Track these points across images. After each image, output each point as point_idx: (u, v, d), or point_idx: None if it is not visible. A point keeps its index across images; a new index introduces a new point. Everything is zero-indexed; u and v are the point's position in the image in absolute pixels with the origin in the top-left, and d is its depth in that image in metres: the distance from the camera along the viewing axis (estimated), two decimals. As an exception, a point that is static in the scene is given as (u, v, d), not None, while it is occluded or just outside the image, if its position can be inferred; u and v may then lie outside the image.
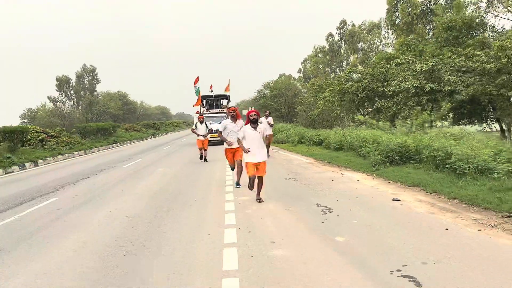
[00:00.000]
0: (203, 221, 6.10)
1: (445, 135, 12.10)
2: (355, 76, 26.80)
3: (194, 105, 24.30)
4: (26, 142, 19.53)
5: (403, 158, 9.91)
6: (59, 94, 76.84)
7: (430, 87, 18.60)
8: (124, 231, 5.77)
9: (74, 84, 78.05)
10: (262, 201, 7.11)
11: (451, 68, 18.53)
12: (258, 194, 7.28)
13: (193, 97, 23.98)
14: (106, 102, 79.50)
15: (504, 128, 19.39)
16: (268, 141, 14.27)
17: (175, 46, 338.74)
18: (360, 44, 47.31)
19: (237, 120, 8.75)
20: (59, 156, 19.49)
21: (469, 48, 18.73)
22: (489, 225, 5.12)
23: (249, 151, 6.98)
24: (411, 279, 3.61)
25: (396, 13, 35.86)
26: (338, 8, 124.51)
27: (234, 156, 8.80)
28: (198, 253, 4.64)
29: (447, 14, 29.97)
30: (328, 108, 29.01)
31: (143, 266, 4.34)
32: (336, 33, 56.89)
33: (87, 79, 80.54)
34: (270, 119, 14.82)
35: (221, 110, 25.22)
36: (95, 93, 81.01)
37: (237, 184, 8.75)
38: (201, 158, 14.97)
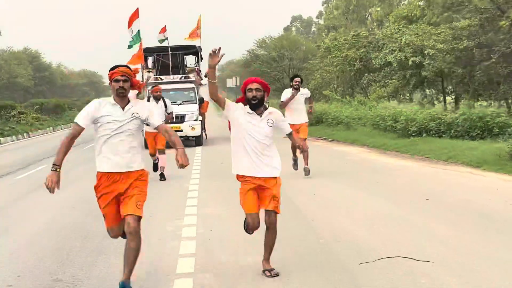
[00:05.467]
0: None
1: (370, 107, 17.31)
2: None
3: (128, 63, 11.18)
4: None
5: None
6: None
7: (412, 61, 17.31)
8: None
9: None
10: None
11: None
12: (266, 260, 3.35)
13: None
14: (13, 67, 46.60)
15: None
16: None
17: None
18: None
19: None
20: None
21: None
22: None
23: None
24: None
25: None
26: None
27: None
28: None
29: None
30: (324, 81, 25.74)
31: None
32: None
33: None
34: (306, 92, 8.16)
35: (186, 77, 15.11)
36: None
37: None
38: (155, 169, 7.97)
